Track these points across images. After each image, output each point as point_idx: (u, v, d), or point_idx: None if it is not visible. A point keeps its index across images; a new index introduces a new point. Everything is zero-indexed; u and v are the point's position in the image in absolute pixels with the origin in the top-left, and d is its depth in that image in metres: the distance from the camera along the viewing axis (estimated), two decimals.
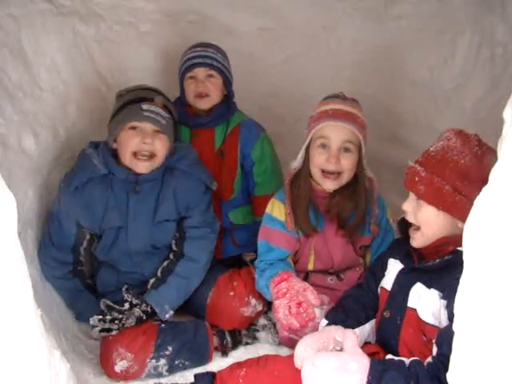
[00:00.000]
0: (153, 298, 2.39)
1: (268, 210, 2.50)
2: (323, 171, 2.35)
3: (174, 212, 2.48)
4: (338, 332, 1.91)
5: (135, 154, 2.35)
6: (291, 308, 2.20)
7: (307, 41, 3.28)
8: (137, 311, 2.34)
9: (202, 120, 2.82)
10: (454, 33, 3.07)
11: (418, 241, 1.96)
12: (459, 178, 1.83)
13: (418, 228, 1.94)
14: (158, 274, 2.47)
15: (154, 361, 2.30)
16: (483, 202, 1.31)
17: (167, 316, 2.39)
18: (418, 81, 3.19)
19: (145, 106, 2.33)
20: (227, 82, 2.82)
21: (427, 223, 1.91)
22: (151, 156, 2.37)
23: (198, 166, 2.57)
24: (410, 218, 1.96)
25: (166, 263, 2.50)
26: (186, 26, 3.20)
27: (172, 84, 3.05)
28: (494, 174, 1.33)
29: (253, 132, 2.85)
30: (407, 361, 1.79)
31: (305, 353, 1.88)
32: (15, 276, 1.44)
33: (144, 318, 2.35)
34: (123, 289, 2.39)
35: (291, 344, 2.39)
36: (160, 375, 2.32)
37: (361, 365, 1.75)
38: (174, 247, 2.53)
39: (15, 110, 2.52)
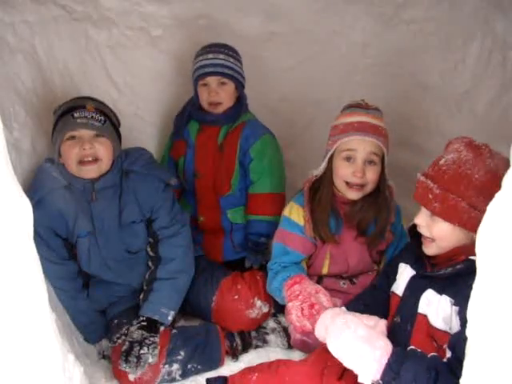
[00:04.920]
0: (146, 309, 2.38)
1: (286, 213, 2.50)
2: (347, 183, 2.36)
3: (138, 214, 2.45)
4: (369, 318, 1.92)
5: (80, 162, 2.31)
6: (304, 310, 2.20)
7: (318, 45, 3.28)
8: (138, 333, 2.30)
9: (212, 117, 2.85)
10: (465, 37, 3.05)
11: (431, 250, 1.94)
12: (475, 193, 1.78)
13: (432, 240, 1.91)
14: (144, 287, 2.47)
15: (167, 366, 2.30)
16: (496, 208, 1.31)
17: (169, 318, 2.37)
18: (429, 85, 3.18)
19: (76, 114, 2.30)
20: (240, 86, 2.86)
21: (443, 238, 1.88)
22: (96, 160, 2.33)
23: (153, 165, 2.55)
24: (425, 232, 1.92)
25: (147, 275, 2.49)
26: (197, 31, 3.20)
27: (184, 88, 3.07)
28: (507, 180, 1.32)
29: (256, 131, 2.84)
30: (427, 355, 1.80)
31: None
32: (30, 280, 1.46)
33: (146, 334, 2.30)
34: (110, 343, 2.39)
35: (303, 347, 2.41)
36: (173, 380, 2.32)
37: (386, 345, 1.76)
38: (150, 253, 2.51)
39: (29, 115, 2.54)
